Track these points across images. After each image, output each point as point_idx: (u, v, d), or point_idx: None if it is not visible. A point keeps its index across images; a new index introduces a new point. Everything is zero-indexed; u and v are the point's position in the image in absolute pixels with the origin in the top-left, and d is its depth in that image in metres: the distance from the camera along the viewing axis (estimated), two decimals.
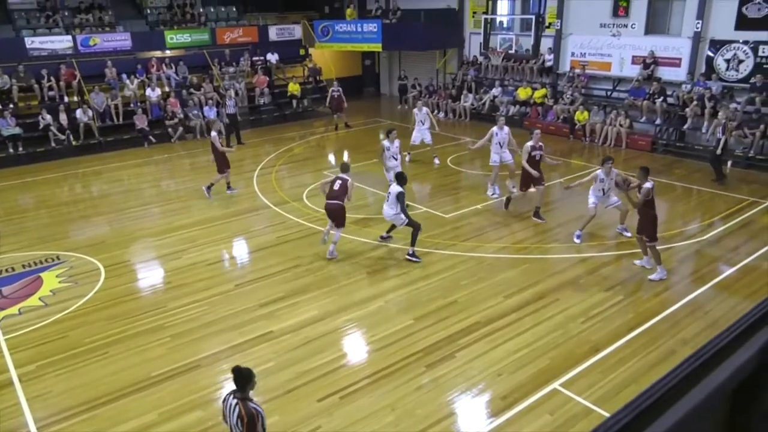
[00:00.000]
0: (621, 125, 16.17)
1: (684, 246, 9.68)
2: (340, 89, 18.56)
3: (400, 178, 9.17)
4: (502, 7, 21.11)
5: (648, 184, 8.23)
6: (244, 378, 4.12)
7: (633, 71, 17.26)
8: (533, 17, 17.38)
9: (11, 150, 16.21)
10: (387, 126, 18.64)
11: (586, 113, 17.06)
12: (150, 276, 9.20)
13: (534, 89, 19.25)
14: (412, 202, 12.00)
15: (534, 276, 8.69)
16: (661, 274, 8.43)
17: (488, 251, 9.61)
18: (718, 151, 12.91)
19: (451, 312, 7.70)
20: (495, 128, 12.04)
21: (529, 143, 10.76)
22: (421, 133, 14.74)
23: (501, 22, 21.61)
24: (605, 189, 9.68)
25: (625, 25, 17.39)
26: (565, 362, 6.54)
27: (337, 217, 9.17)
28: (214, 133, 12.44)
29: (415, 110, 14.87)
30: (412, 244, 9.24)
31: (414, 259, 9.19)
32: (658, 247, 8.49)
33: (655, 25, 16.98)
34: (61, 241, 10.55)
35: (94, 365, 6.79)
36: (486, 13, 18.89)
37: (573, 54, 18.95)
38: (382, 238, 9.96)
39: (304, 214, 11.57)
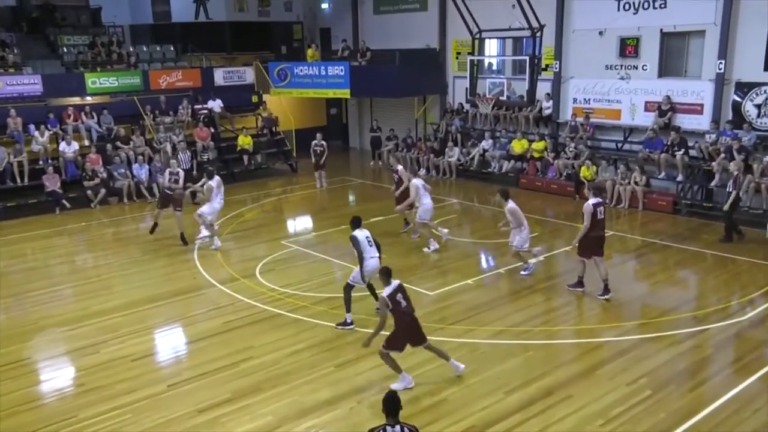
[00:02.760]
0: (636, 183, 16.73)
1: (721, 328, 9.82)
2: (180, 171, 14.68)
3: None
4: (491, 47, 22.08)
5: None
6: (398, 403, 5.43)
7: (647, 119, 18.05)
8: (527, 58, 18.17)
9: None
10: (355, 186, 18.99)
11: (593, 168, 17.64)
12: (56, 377, 8.91)
13: (531, 141, 19.92)
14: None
15: (540, 366, 8.68)
16: (404, 383, 8.12)
17: (483, 336, 9.61)
18: (726, 207, 13.84)
19: (440, 413, 7.59)
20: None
21: (591, 201, 10.74)
22: None
23: (490, 64, 22.57)
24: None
25: (635, 67, 18.37)
26: None
27: None
28: (400, 167, 14.47)
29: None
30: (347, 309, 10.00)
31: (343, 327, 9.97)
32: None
33: (670, 66, 17.99)
34: None
35: None
36: (472, 53, 19.63)
37: (575, 100, 19.79)
38: None
39: (258, 293, 11.49)
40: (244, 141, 21.69)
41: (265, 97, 24.30)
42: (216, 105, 22.31)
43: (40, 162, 18.36)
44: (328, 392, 8.14)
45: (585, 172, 17.62)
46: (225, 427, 7.46)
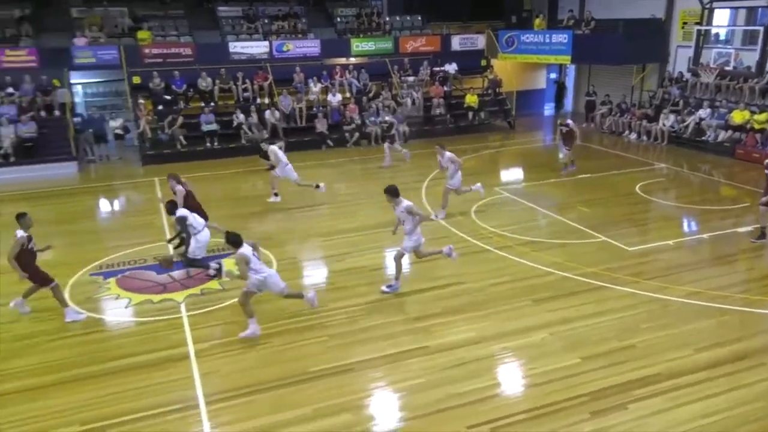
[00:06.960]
0: None
1: None
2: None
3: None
4: (721, 17, 19.12)
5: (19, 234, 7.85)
6: None
7: None
8: (761, 29, 15.40)
9: (208, 144, 18.74)
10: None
11: None
12: (315, 274, 9.94)
13: (753, 112, 17.11)
14: (589, 228, 11.38)
15: (734, 331, 7.69)
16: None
17: (677, 294, 8.72)
18: None
19: (627, 357, 7.13)
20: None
21: None
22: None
23: (717, 34, 19.61)
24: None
25: None
26: None
27: None
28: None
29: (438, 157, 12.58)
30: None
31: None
32: None
33: None
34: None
35: (259, 353, 7.49)
36: (700, 23, 17.22)
37: None
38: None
39: (471, 230, 11.59)
40: (471, 99, 21.57)
41: (492, 61, 23.76)
42: (451, 68, 22.44)
43: (314, 108, 20.07)
44: (524, 322, 8.04)
45: None
46: (434, 335, 7.75)
